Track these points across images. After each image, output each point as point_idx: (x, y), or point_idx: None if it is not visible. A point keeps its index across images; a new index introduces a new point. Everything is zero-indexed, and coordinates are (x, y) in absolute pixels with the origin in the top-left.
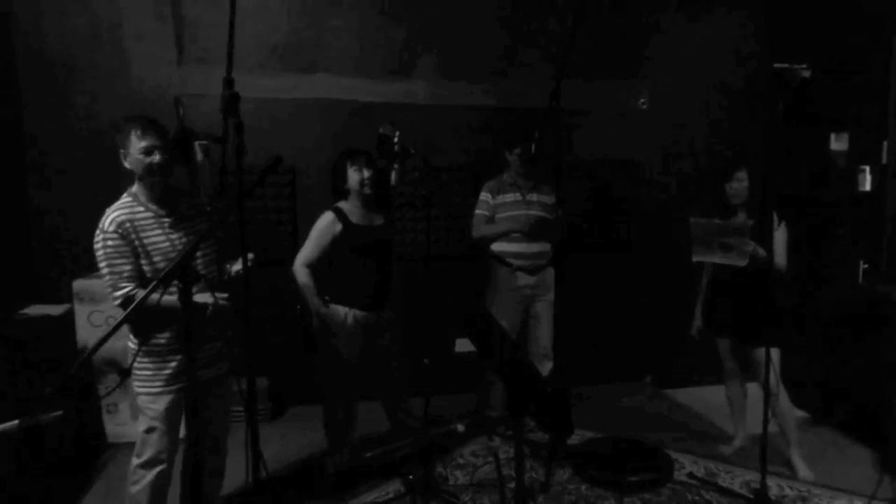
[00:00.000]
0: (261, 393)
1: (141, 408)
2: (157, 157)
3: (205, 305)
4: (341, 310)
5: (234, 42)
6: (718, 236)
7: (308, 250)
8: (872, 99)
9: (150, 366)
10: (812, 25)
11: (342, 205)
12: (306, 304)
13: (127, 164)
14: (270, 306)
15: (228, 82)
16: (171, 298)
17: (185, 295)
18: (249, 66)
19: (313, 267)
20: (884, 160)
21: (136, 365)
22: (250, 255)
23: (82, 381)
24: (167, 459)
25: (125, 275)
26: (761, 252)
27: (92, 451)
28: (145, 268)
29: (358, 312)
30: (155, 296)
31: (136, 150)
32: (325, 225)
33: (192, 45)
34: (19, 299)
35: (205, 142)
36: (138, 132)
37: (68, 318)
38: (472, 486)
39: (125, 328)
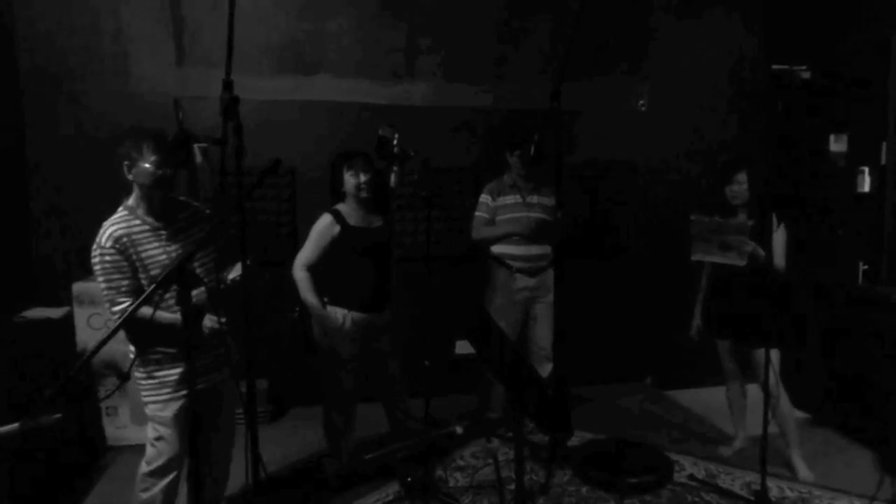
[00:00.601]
0: (260, 395)
1: (150, 416)
2: (168, 171)
3: (201, 311)
4: (340, 311)
5: (234, 44)
6: (718, 235)
7: (307, 252)
8: (871, 100)
9: (156, 374)
10: (811, 26)
11: (340, 207)
12: (305, 306)
13: (131, 176)
14: (270, 308)
15: (227, 84)
16: (167, 315)
17: (185, 298)
18: (249, 68)
19: (312, 269)
20: (883, 161)
21: (141, 374)
22: (238, 271)
23: (82, 383)
24: (178, 466)
25: (123, 289)
26: (761, 252)
27: (92, 453)
28: (143, 281)
29: (357, 314)
30: (151, 311)
31: (149, 162)
32: (323, 227)
33: (191, 48)
34: (19, 302)
35: (204, 144)
36: (152, 146)
37: (68, 320)
38: (472, 488)
39: (124, 336)
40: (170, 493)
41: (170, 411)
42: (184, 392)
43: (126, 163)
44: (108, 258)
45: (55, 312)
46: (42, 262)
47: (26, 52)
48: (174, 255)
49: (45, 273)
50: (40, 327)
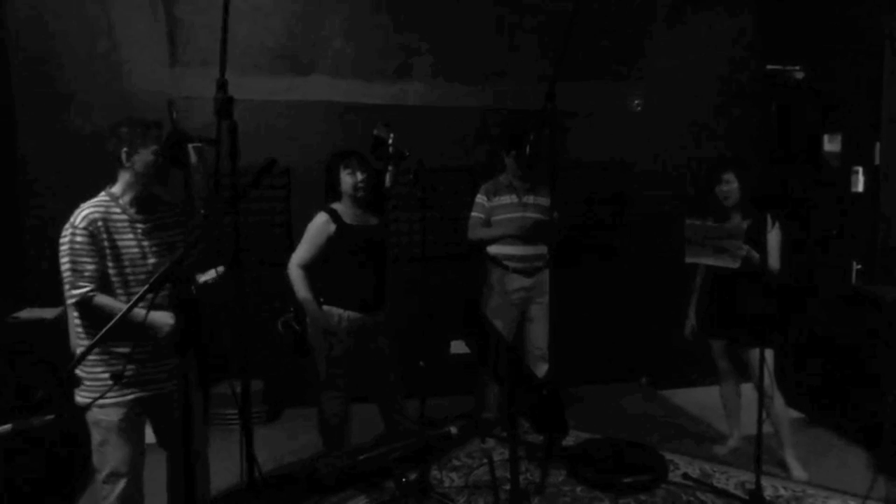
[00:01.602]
0: (256, 395)
1: (92, 421)
2: (167, 162)
3: (163, 324)
4: (336, 311)
5: (228, 44)
6: (712, 240)
7: (302, 251)
8: (865, 100)
9: (101, 375)
10: (805, 27)
11: (336, 206)
12: (300, 306)
13: (129, 163)
14: (265, 308)
15: (222, 85)
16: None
17: (179, 298)
18: (244, 68)
19: (308, 268)
20: (876, 161)
21: (86, 374)
22: (219, 269)
23: (75, 384)
24: (128, 472)
25: (86, 274)
26: (755, 255)
27: (85, 454)
28: (110, 270)
29: (352, 314)
30: (115, 304)
31: (152, 149)
32: (319, 225)
33: (185, 47)
34: (12, 303)
35: (199, 144)
36: (155, 133)
37: (61, 321)
38: (467, 489)
39: (80, 331)
40: (126, 498)
41: (114, 416)
42: (129, 397)
43: (125, 149)
44: (78, 238)
45: (48, 313)
46: (35, 263)
47: (18, 52)
48: (147, 250)
49: (38, 273)
50: (33, 328)
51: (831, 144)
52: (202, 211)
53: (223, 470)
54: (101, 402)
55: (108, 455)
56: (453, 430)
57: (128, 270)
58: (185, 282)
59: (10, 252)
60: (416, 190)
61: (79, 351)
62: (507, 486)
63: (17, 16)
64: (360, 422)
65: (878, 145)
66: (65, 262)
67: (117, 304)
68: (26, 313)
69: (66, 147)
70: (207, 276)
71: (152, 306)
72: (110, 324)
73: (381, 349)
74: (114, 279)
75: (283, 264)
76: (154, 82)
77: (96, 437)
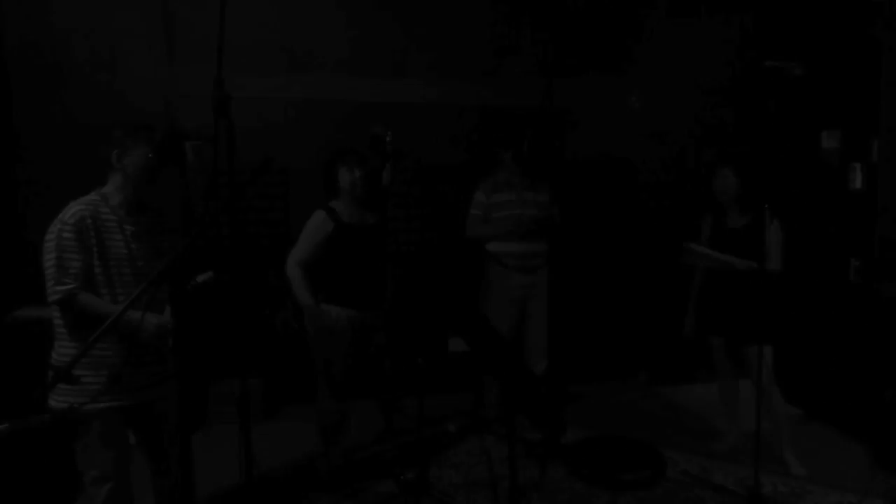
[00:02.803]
0: (254, 393)
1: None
2: (159, 165)
3: (147, 323)
4: (334, 309)
5: (226, 41)
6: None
7: (300, 249)
8: (863, 96)
9: (83, 379)
10: (803, 23)
11: (334, 204)
12: (299, 304)
13: (120, 165)
14: (263, 306)
15: (219, 82)
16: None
17: (178, 297)
18: (241, 66)
19: (306, 266)
20: (875, 157)
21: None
22: (209, 274)
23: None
24: (114, 476)
25: (71, 271)
26: (753, 266)
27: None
28: (96, 269)
29: (351, 312)
30: (100, 303)
31: (143, 151)
32: (317, 223)
33: (182, 45)
34: (12, 301)
35: (196, 142)
36: (147, 135)
37: None
38: (466, 486)
39: (62, 331)
40: (115, 503)
41: (93, 423)
42: (104, 405)
43: (116, 151)
44: (66, 235)
45: (48, 312)
46: (34, 262)
47: (15, 52)
48: (136, 254)
49: (37, 272)
50: (33, 327)
51: (829, 140)
52: (199, 209)
53: (222, 469)
54: (75, 407)
55: (91, 459)
56: (452, 427)
57: (113, 271)
58: (182, 281)
59: (10, 251)
60: (414, 187)
61: (54, 355)
62: (506, 484)
63: (10, 13)
64: (360, 420)
65: (876, 141)
66: (49, 259)
67: (102, 304)
68: (25, 312)
69: (66, 146)
70: (203, 277)
71: (148, 306)
72: (108, 321)
73: (379, 346)
74: (99, 278)
75: (282, 262)
76: (151, 80)
77: (80, 440)
